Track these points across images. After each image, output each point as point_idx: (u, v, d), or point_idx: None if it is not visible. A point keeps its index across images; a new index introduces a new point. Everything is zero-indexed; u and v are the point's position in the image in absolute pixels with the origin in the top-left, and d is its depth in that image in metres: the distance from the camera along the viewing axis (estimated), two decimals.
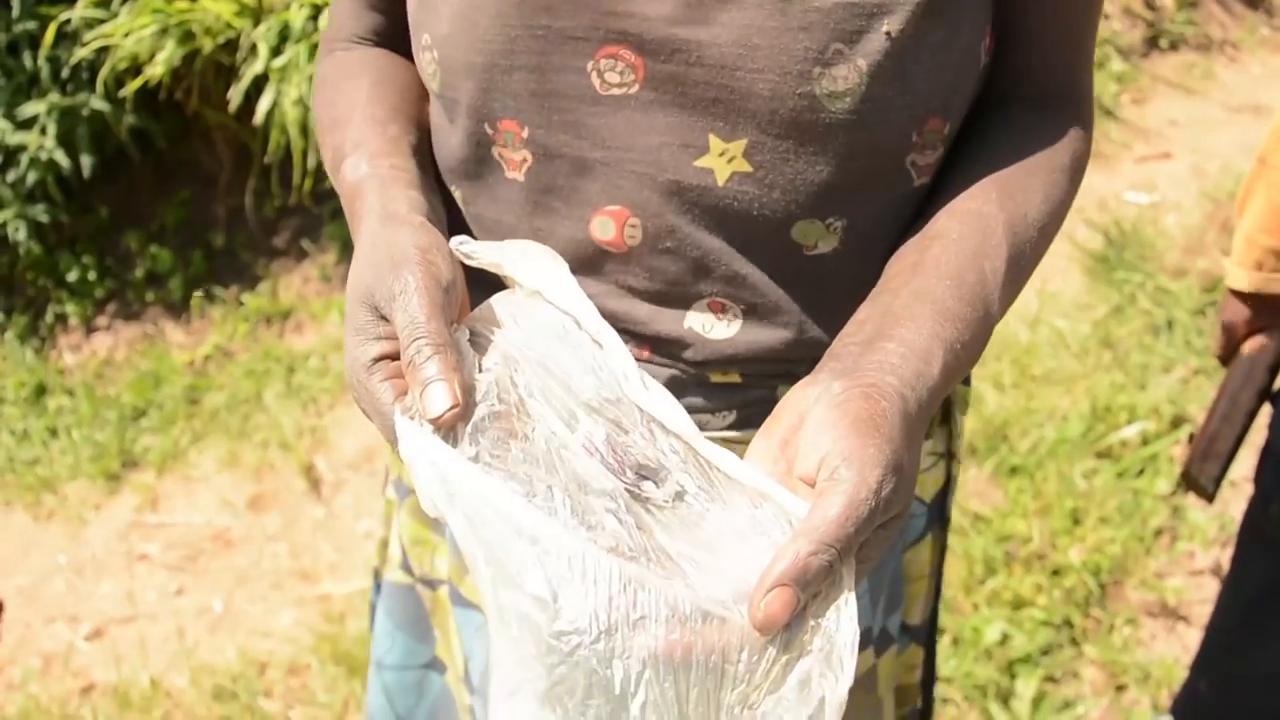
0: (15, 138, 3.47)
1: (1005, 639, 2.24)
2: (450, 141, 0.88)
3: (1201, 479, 1.55)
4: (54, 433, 3.36)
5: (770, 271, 0.83)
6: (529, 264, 0.75)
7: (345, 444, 3.09)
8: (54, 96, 3.48)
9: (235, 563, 2.83)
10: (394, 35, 0.98)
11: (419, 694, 1.26)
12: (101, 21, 3.43)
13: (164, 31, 3.31)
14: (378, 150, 0.86)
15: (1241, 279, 1.49)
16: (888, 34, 0.75)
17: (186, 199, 3.82)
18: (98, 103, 3.48)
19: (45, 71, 3.51)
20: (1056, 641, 2.25)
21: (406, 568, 1.20)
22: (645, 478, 0.66)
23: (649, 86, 0.78)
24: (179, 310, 3.68)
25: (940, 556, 1.11)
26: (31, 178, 3.52)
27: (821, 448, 0.64)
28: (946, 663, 2.21)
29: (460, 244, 0.76)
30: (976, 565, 2.36)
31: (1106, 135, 3.77)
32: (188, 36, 3.33)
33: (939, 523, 1.08)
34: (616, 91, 0.78)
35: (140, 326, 3.68)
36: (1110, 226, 3.31)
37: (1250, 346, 1.52)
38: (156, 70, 3.32)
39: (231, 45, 3.36)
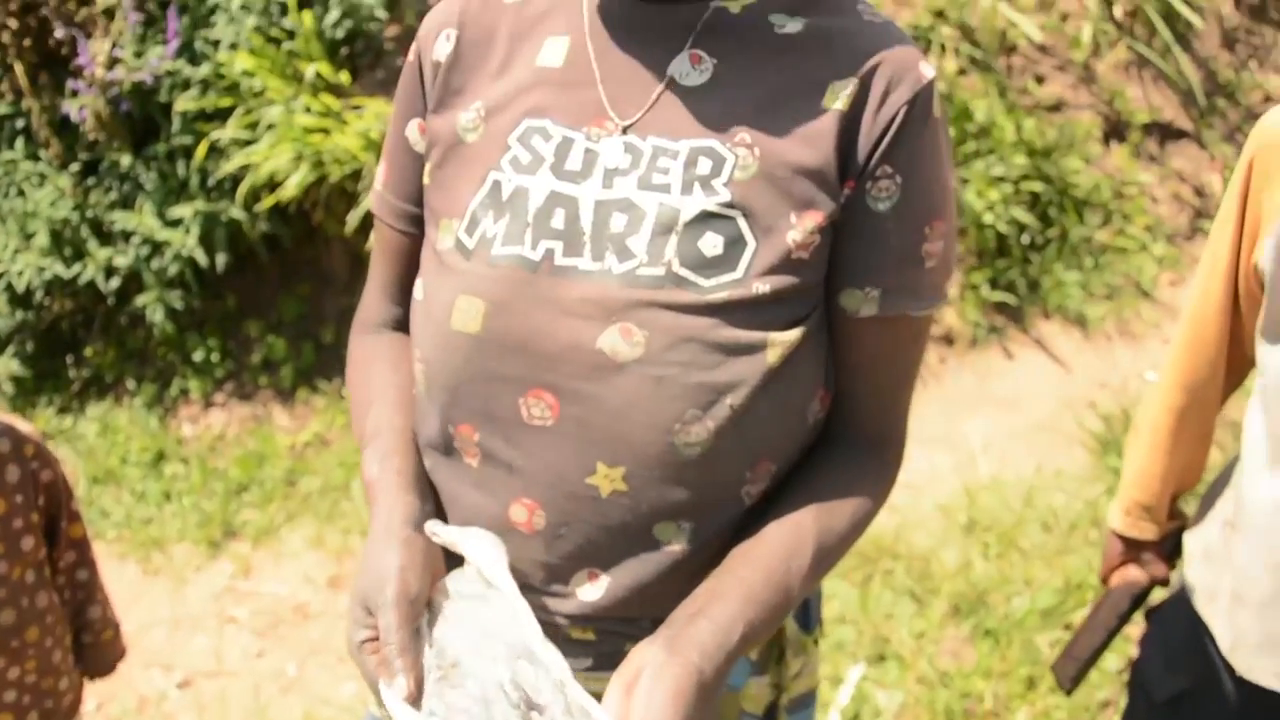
0: (163, 234, 3.98)
1: None
2: (426, 425, 1.24)
3: (1060, 675, 1.90)
4: (168, 497, 3.83)
5: (635, 557, 1.18)
6: (477, 548, 1.11)
7: None
8: (199, 203, 3.99)
9: (310, 634, 3.25)
10: (409, 324, 1.30)
11: None
12: (248, 142, 3.94)
13: (299, 157, 3.81)
14: (388, 448, 1.23)
15: (1115, 519, 1.83)
16: (730, 406, 1.12)
17: (305, 294, 4.29)
18: (236, 211, 3.98)
19: (194, 180, 4.03)
20: None
21: None
22: (533, 709, 1.03)
23: (561, 422, 1.14)
24: (287, 396, 4.15)
25: None
26: (173, 269, 4.03)
27: (647, 708, 1.00)
28: None
29: (431, 527, 1.13)
30: (939, 717, 2.69)
31: (1139, 315, 4.08)
32: (318, 164, 3.82)
33: None
34: (537, 422, 1.15)
35: (252, 408, 4.15)
36: (1115, 412, 3.63)
37: (1117, 575, 1.86)
38: (289, 191, 3.81)
39: (356, 174, 3.84)
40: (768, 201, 1.11)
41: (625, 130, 1.15)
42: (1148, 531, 1.80)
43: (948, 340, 3.97)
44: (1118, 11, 4.65)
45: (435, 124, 1.24)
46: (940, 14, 4.36)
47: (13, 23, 4.12)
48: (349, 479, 3.76)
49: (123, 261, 4.04)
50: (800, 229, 1.12)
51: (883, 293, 1.16)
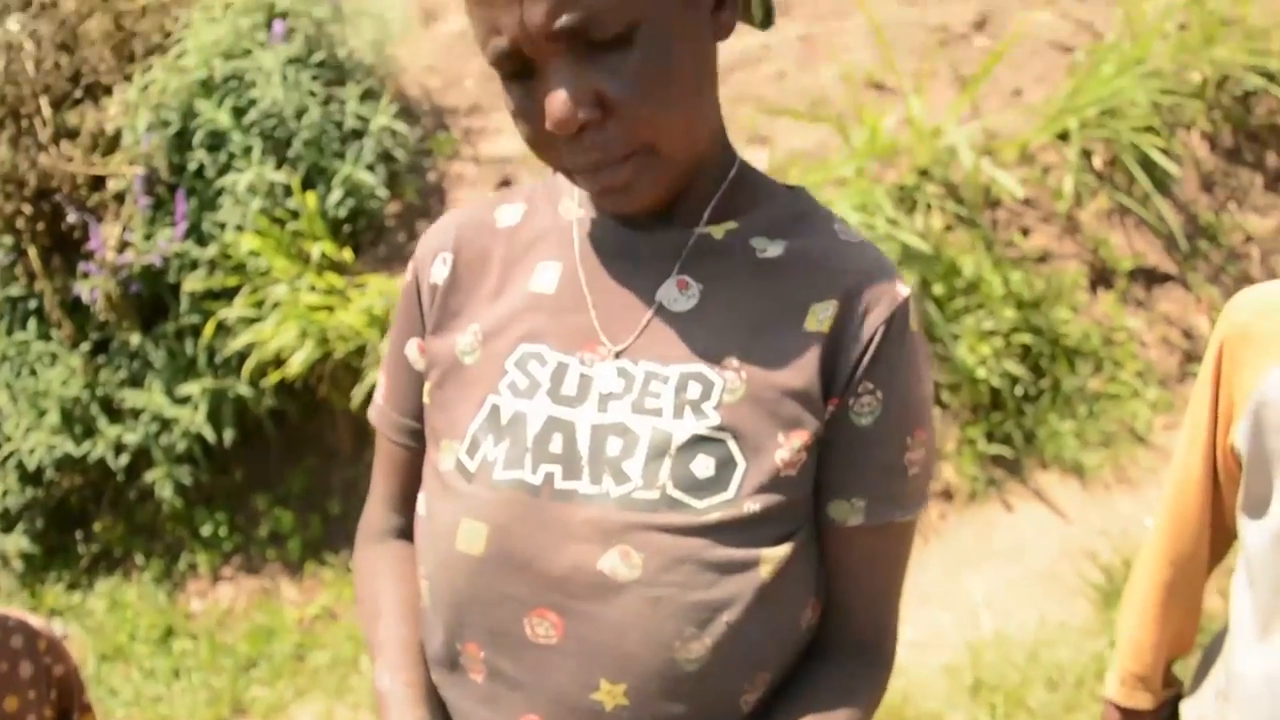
0: (172, 411, 4.05)
1: None
2: (432, 641, 1.28)
3: None
4: (177, 674, 3.83)
5: None
6: None
7: None
8: (207, 380, 4.07)
9: None
10: (413, 532, 1.33)
11: None
12: (254, 320, 4.04)
13: (304, 334, 3.90)
14: (397, 661, 1.27)
15: (1111, 689, 1.86)
16: (727, 623, 1.16)
17: (311, 467, 4.35)
18: (243, 388, 4.06)
19: (202, 358, 4.12)
20: None
21: None
22: None
23: (566, 640, 1.18)
24: (295, 569, 4.17)
25: None
26: (181, 445, 4.09)
27: None
28: None
29: None
30: None
31: (1135, 461, 4.13)
32: (323, 340, 3.91)
33: None
34: (542, 641, 1.18)
35: (260, 581, 4.17)
36: (1116, 563, 3.65)
37: None
38: (294, 368, 3.89)
39: (360, 350, 3.93)
40: (756, 423, 1.17)
41: (618, 355, 1.20)
42: (1144, 701, 1.83)
43: (947, 495, 4.02)
44: (1097, 162, 4.79)
45: (434, 345, 1.30)
46: (925, 173, 4.49)
47: (27, 208, 4.25)
48: (357, 653, 3.77)
49: (132, 438, 4.11)
50: (788, 448, 1.17)
51: (869, 502, 1.21)
